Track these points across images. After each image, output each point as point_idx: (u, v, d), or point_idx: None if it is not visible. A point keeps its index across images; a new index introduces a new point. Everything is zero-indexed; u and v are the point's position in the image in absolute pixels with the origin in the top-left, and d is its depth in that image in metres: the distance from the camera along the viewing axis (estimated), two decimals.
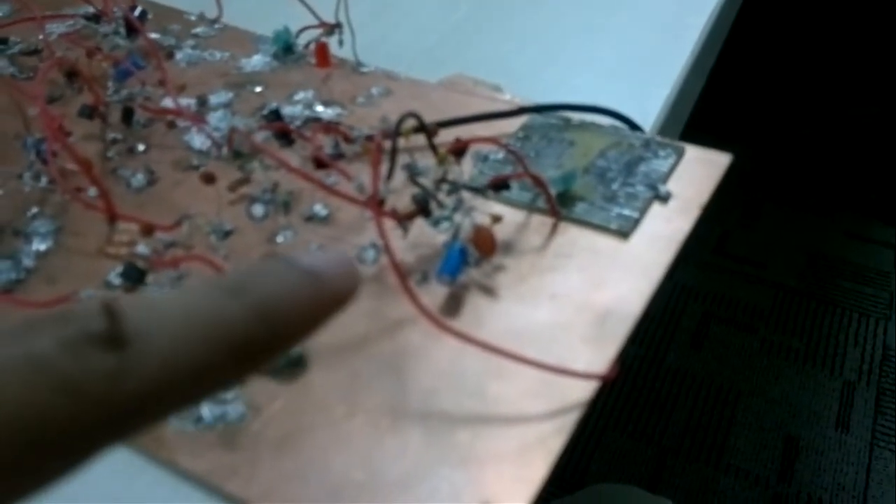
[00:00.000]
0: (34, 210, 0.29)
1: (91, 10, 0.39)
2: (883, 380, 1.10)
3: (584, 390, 0.22)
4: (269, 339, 0.12)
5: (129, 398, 0.10)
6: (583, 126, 0.31)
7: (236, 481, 0.20)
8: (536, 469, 0.20)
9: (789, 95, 1.52)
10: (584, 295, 0.25)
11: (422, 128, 0.26)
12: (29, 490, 0.10)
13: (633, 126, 0.31)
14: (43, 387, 0.10)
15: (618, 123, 0.32)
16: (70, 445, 0.10)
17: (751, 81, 1.53)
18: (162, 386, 0.10)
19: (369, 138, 0.30)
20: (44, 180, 0.30)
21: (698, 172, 0.29)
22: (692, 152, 0.30)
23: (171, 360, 0.10)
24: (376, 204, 0.24)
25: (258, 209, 0.27)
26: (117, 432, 0.10)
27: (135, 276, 0.23)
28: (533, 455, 0.20)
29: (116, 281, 0.25)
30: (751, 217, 1.35)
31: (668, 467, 0.99)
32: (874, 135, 1.44)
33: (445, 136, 0.29)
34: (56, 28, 0.40)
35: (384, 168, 0.26)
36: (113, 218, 0.25)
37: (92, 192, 0.29)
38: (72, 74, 0.34)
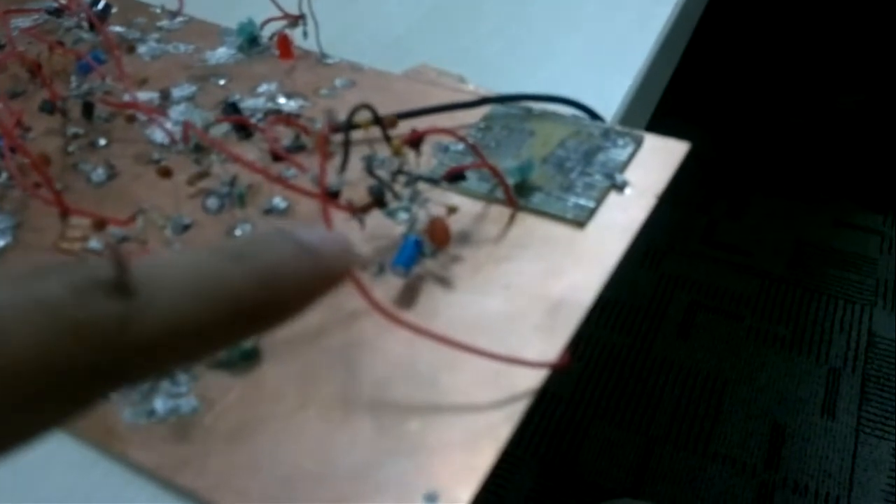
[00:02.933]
0: None
1: (54, 4, 0.39)
2: (868, 366, 1.10)
3: (534, 379, 0.22)
4: (268, 304, 0.12)
5: (135, 345, 0.10)
6: (544, 116, 0.31)
7: (187, 473, 0.20)
8: (485, 457, 0.20)
9: (776, 83, 1.52)
10: (539, 284, 0.25)
11: (377, 119, 0.26)
12: (34, 431, 0.10)
13: (594, 115, 0.31)
14: (50, 329, 0.10)
15: (578, 113, 0.32)
16: (74, 388, 0.10)
17: (736, 69, 1.53)
18: (165, 336, 0.11)
19: (334, 131, 0.30)
20: (3, 176, 0.30)
21: (656, 161, 0.29)
22: (650, 141, 0.30)
23: (176, 313, 0.11)
24: (325, 197, 0.23)
25: (213, 202, 0.27)
26: (120, 378, 0.11)
27: None
28: (481, 443, 0.21)
29: None
30: (737, 206, 1.35)
31: (655, 456, 0.99)
32: (860, 123, 1.45)
33: (407, 127, 0.29)
34: (21, 22, 0.39)
35: (338, 160, 0.26)
36: (65, 213, 0.25)
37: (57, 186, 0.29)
38: (34, 69, 0.34)
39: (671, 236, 1.28)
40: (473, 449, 0.20)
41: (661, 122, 0.41)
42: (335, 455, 0.21)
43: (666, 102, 0.43)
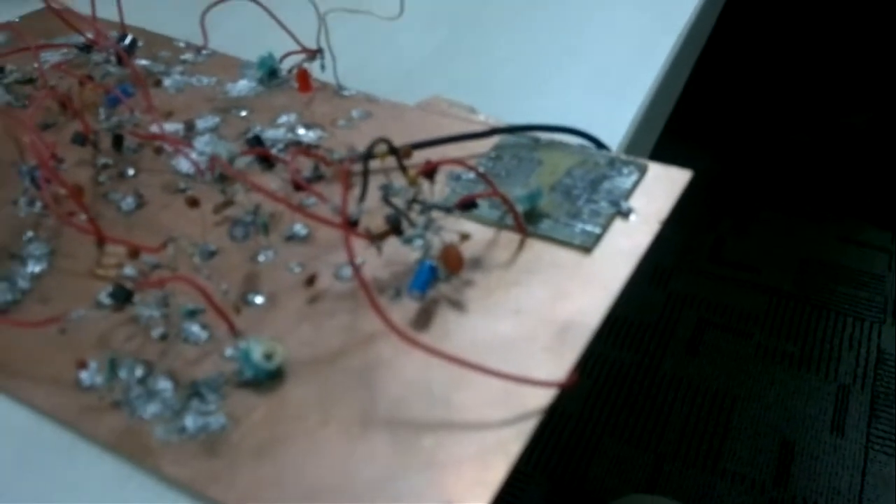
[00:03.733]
0: (29, 234, 0.30)
1: (82, 39, 0.41)
2: (877, 383, 1.11)
3: (543, 398, 0.23)
4: None
5: None
6: (551, 145, 0.33)
7: (217, 487, 0.22)
8: (496, 472, 0.21)
9: (783, 101, 1.53)
10: (547, 308, 0.26)
11: (393, 150, 0.28)
12: None
13: (600, 145, 0.33)
14: None
15: (585, 143, 0.33)
16: None
17: (744, 87, 1.55)
18: None
19: (341, 162, 0.31)
20: (38, 205, 0.31)
21: (660, 188, 0.31)
22: (654, 170, 0.31)
23: None
24: (346, 227, 0.25)
25: (239, 231, 0.28)
26: None
27: (122, 297, 0.25)
28: (493, 459, 0.22)
29: (106, 301, 0.27)
30: (745, 224, 1.36)
31: (664, 473, 1.00)
32: (867, 140, 1.46)
33: (421, 158, 0.31)
34: (50, 57, 0.41)
35: (357, 190, 0.27)
36: (101, 241, 0.27)
37: (83, 216, 0.30)
38: (64, 102, 0.36)
39: (679, 255, 1.29)
40: (485, 464, 0.22)
41: (668, 141, 0.42)
42: (354, 469, 0.22)
43: (673, 121, 0.44)
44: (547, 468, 1.00)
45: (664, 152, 0.39)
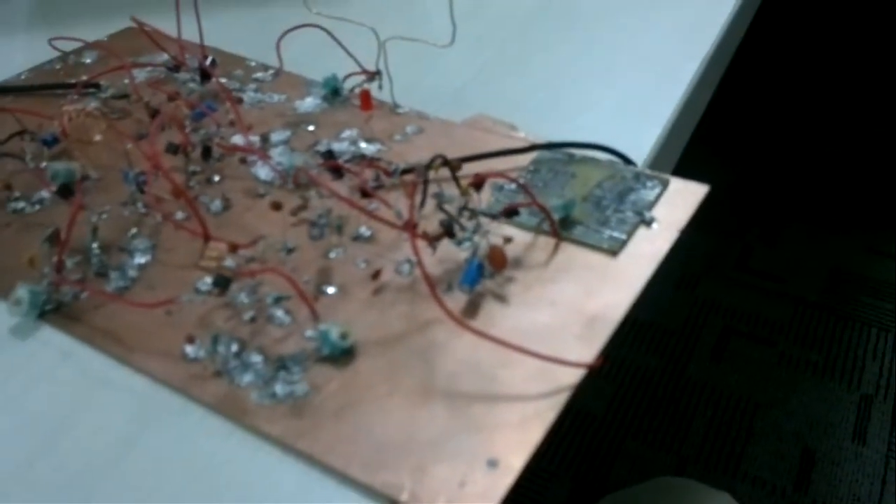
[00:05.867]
0: (134, 231, 0.36)
1: (167, 57, 0.46)
2: None
3: (573, 376, 0.28)
4: None
5: None
6: (583, 160, 0.37)
7: (304, 441, 0.27)
8: (534, 434, 0.26)
9: (814, 113, 1.55)
10: (578, 302, 0.31)
11: (447, 164, 0.33)
12: None
13: (627, 161, 0.37)
14: None
15: (614, 158, 0.37)
16: None
17: (775, 100, 1.57)
18: None
19: (405, 172, 0.36)
20: (140, 206, 0.37)
21: (680, 200, 0.35)
22: (675, 184, 0.36)
23: None
24: (412, 228, 0.30)
25: (316, 231, 0.33)
26: None
27: (223, 284, 0.30)
28: (531, 424, 0.26)
29: (204, 287, 0.32)
30: (772, 233, 1.38)
31: (686, 475, 1.03)
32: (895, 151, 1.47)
33: (468, 170, 0.35)
34: (139, 74, 0.47)
35: (417, 198, 0.32)
36: (206, 238, 0.32)
37: (180, 215, 0.35)
38: (154, 115, 0.41)
39: (706, 262, 1.32)
40: (525, 428, 0.26)
41: (699, 152, 0.46)
42: (416, 430, 0.27)
43: (705, 133, 0.48)
44: (571, 468, 1.04)
45: (695, 164, 0.42)
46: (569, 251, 0.33)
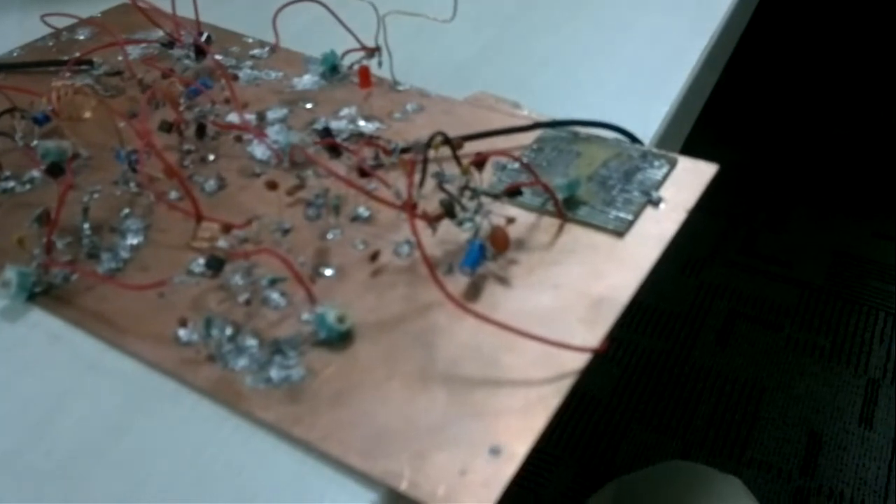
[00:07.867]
0: (126, 211, 0.35)
1: (161, 33, 0.45)
2: None
3: (578, 360, 0.27)
4: None
5: None
6: (589, 139, 0.36)
7: (300, 427, 0.26)
8: (537, 420, 0.25)
9: (820, 97, 1.53)
10: (583, 284, 0.30)
11: (448, 142, 0.32)
12: None
13: (634, 139, 0.36)
14: None
15: (620, 137, 0.36)
16: None
17: (781, 83, 1.55)
18: None
19: (405, 151, 0.35)
20: (132, 186, 0.36)
21: (688, 180, 0.34)
22: (683, 163, 0.34)
23: None
24: (411, 208, 0.29)
25: (312, 211, 0.32)
26: None
27: (216, 266, 0.29)
28: (535, 410, 0.25)
29: (197, 269, 0.31)
30: (778, 217, 1.37)
31: (691, 459, 1.02)
32: None
33: (470, 148, 0.34)
34: (133, 51, 0.46)
35: (417, 177, 0.31)
36: (199, 218, 0.31)
37: (174, 194, 0.34)
38: (154, 93, 0.40)
39: (712, 246, 1.31)
40: (528, 414, 0.25)
41: (705, 135, 0.45)
42: (416, 417, 0.26)
43: (711, 116, 0.47)
44: (575, 452, 1.04)
45: (700, 147, 0.41)
46: (573, 232, 0.32)
